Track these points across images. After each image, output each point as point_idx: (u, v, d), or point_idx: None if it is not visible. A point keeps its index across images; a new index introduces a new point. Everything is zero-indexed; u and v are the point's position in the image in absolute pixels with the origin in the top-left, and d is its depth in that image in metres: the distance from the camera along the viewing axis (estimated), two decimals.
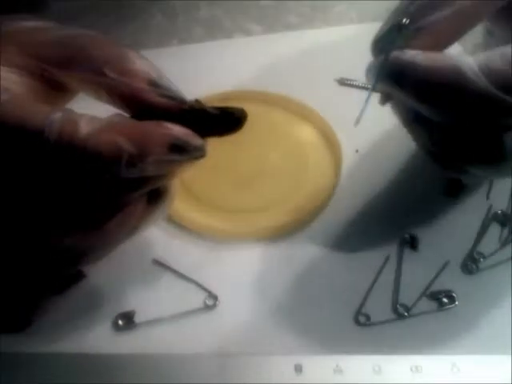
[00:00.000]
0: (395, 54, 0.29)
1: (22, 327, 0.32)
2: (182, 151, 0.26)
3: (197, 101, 0.28)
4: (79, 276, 0.31)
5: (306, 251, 0.36)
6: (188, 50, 0.45)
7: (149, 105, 0.28)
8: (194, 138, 0.27)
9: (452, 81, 0.27)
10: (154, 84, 0.28)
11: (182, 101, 0.28)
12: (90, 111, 0.26)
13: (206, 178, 0.37)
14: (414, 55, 0.29)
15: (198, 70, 0.42)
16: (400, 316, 0.33)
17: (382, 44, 0.30)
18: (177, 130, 0.26)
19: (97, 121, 0.25)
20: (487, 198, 0.37)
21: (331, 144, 0.40)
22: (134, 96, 0.28)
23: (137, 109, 0.28)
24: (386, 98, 0.33)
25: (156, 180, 0.28)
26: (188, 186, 0.37)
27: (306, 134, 0.40)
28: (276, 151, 0.39)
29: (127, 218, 0.28)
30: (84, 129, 0.25)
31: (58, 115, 0.25)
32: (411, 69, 0.29)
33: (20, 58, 0.28)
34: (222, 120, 0.28)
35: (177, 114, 0.28)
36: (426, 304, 0.33)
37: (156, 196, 0.29)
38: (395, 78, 0.29)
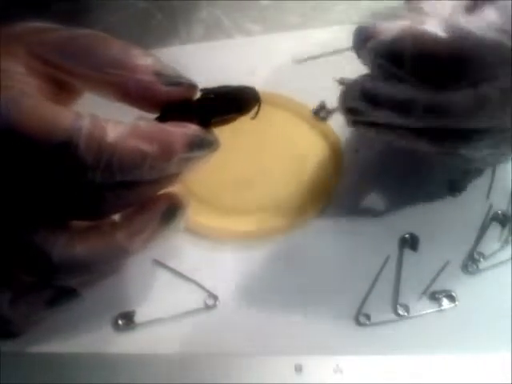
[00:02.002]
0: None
1: (12, 335, 0.31)
2: (199, 148, 0.28)
3: (205, 89, 0.29)
4: (73, 294, 0.31)
5: (305, 251, 0.36)
6: (188, 50, 0.45)
7: (159, 95, 0.28)
8: (208, 134, 0.28)
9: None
10: (160, 74, 0.28)
11: (191, 85, 0.29)
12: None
13: (206, 177, 0.37)
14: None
15: (198, 70, 0.41)
16: (400, 316, 0.33)
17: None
18: (194, 128, 0.28)
19: (122, 126, 0.26)
20: (487, 197, 0.37)
21: (331, 144, 0.40)
22: (142, 89, 0.28)
23: (146, 102, 0.29)
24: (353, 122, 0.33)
25: (169, 180, 0.29)
26: (187, 186, 0.37)
27: (306, 134, 0.40)
28: (276, 151, 0.39)
29: (139, 231, 0.29)
30: (111, 134, 0.25)
31: (86, 120, 0.25)
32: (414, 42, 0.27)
33: (28, 58, 0.28)
34: (236, 104, 0.28)
35: (194, 105, 0.29)
36: (426, 304, 0.33)
37: (170, 212, 0.30)
38: (396, 57, 0.28)
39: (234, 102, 0.29)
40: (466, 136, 0.30)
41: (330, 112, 0.34)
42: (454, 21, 0.26)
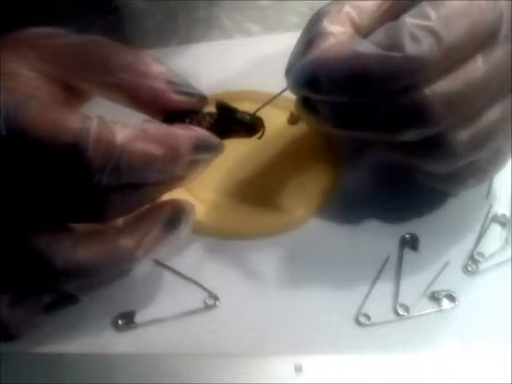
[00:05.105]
0: (301, 62, 0.30)
1: (11, 337, 0.31)
2: (205, 150, 0.28)
3: (219, 102, 0.30)
4: (72, 299, 0.31)
5: (306, 251, 0.36)
6: (188, 50, 0.45)
7: (169, 104, 0.28)
8: (213, 137, 0.29)
9: (356, 62, 0.28)
10: (171, 83, 0.28)
11: (201, 96, 0.29)
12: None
13: (205, 177, 0.37)
14: (316, 54, 0.29)
15: (198, 70, 0.42)
16: (400, 316, 0.33)
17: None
18: (199, 131, 0.28)
19: (130, 128, 0.26)
20: (487, 198, 0.37)
21: (330, 144, 0.40)
22: (154, 96, 0.28)
23: (156, 109, 0.29)
24: (296, 118, 0.35)
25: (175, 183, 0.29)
26: (187, 186, 0.37)
27: (305, 134, 0.40)
28: (276, 151, 0.39)
29: (142, 237, 0.29)
30: (119, 136, 0.25)
31: (94, 123, 0.25)
32: (322, 68, 0.29)
33: (38, 62, 0.28)
34: (245, 129, 0.31)
35: (203, 114, 0.30)
36: (426, 304, 0.33)
37: (174, 219, 0.30)
38: (311, 85, 0.29)
39: (244, 126, 0.31)
40: (412, 147, 0.31)
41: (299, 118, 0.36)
42: (349, 44, 0.28)
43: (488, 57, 0.28)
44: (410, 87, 0.28)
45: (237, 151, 0.38)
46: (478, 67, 0.28)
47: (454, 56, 0.28)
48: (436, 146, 0.30)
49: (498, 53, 0.28)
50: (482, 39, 0.28)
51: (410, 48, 0.27)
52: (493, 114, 0.30)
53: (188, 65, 0.43)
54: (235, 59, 0.44)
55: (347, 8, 0.31)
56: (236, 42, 0.47)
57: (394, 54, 0.27)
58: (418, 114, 0.28)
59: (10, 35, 0.30)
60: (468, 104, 0.29)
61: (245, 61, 0.44)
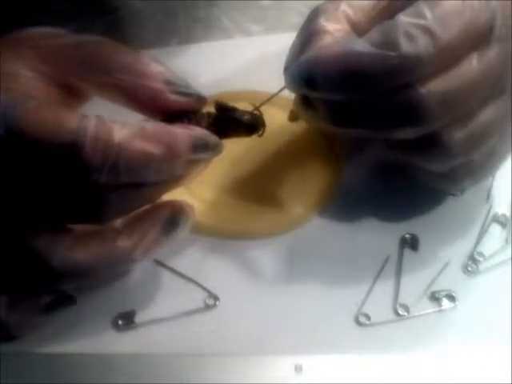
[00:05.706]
0: (298, 60, 0.30)
1: (11, 338, 0.31)
2: (203, 149, 0.28)
3: (217, 102, 0.30)
4: (70, 300, 0.31)
5: (305, 251, 0.36)
6: (188, 50, 0.45)
7: (167, 104, 0.28)
8: (212, 136, 0.29)
9: (351, 61, 0.28)
10: (169, 83, 0.28)
11: (200, 97, 0.29)
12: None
13: (205, 176, 0.37)
14: (312, 53, 0.30)
15: (198, 70, 0.42)
16: (400, 316, 0.33)
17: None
18: (198, 130, 0.28)
19: (128, 127, 0.26)
20: (487, 198, 0.37)
21: (331, 143, 0.40)
22: (151, 96, 0.28)
23: (155, 110, 0.29)
24: (296, 115, 0.36)
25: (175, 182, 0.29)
26: (187, 186, 0.37)
27: (305, 133, 0.40)
28: (276, 149, 0.39)
29: (141, 238, 0.29)
30: (117, 135, 0.25)
31: (91, 121, 0.25)
32: (317, 66, 0.29)
33: (37, 62, 0.28)
34: (246, 128, 0.31)
35: (202, 114, 0.30)
36: (426, 304, 0.33)
37: (172, 220, 0.30)
38: (307, 83, 0.30)
39: (243, 125, 0.31)
40: (408, 145, 0.31)
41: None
42: (344, 43, 0.28)
43: (482, 56, 0.28)
44: (405, 86, 0.28)
45: (237, 150, 0.38)
46: (472, 66, 0.28)
47: (449, 55, 0.28)
48: (432, 144, 0.30)
49: (492, 52, 0.28)
50: (476, 38, 0.28)
51: (405, 46, 0.27)
52: (488, 113, 0.30)
53: (188, 65, 0.43)
54: (235, 59, 0.44)
55: (344, 6, 0.31)
56: (236, 42, 0.47)
57: (389, 52, 0.27)
58: (413, 112, 0.28)
59: (9, 35, 0.30)
60: (463, 103, 0.29)
61: (245, 61, 0.44)
